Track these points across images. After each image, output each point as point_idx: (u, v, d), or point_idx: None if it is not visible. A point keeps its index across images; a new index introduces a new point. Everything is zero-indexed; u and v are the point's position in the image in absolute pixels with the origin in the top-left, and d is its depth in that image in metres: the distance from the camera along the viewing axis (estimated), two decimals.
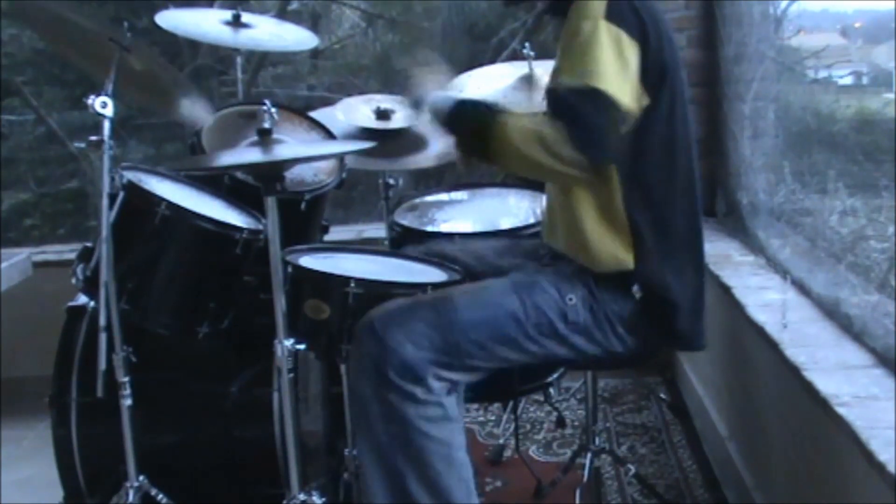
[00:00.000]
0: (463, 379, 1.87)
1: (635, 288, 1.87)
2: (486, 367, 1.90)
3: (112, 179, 2.09)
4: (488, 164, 1.88)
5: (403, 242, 2.53)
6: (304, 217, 2.44)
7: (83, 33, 2.18)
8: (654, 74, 1.80)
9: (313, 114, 2.74)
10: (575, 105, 1.70)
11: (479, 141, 1.81)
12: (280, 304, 1.91)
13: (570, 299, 1.87)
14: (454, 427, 1.85)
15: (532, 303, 1.87)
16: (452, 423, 1.85)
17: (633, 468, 2.63)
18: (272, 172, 1.90)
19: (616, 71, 1.72)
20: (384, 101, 2.86)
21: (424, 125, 2.11)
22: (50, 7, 2.18)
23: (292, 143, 2.45)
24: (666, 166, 1.88)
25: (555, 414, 3.08)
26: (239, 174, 2.35)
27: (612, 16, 1.74)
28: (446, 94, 1.95)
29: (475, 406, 3.28)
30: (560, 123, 1.70)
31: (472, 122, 1.84)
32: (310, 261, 2.08)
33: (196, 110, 2.36)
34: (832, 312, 2.10)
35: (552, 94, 1.77)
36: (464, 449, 1.87)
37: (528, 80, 2.81)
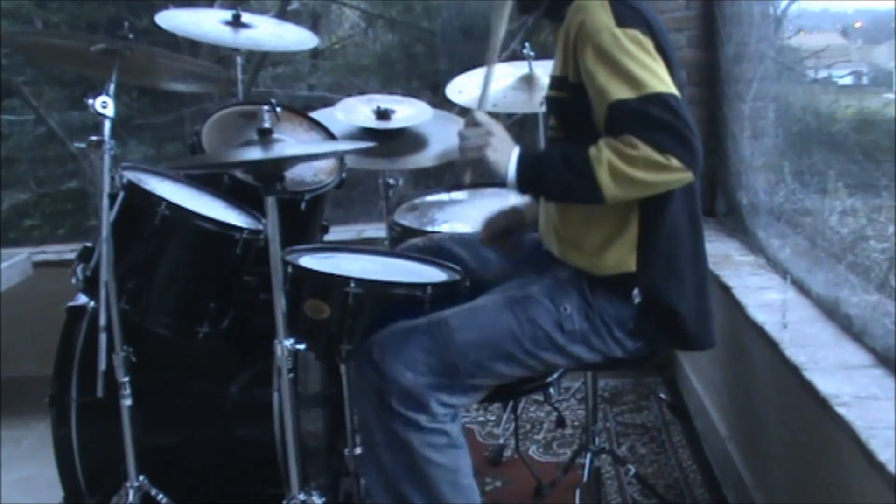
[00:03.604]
0: (465, 401, 1.89)
1: (635, 292, 1.87)
2: (488, 384, 1.91)
3: (112, 179, 2.09)
4: (590, 202, 1.81)
5: (403, 242, 2.53)
6: (304, 217, 2.44)
7: (79, 51, 2.18)
8: None
9: (313, 114, 2.75)
10: (649, 113, 1.68)
11: (582, 185, 1.75)
12: (280, 304, 1.91)
13: (565, 308, 1.87)
14: (459, 453, 1.86)
15: (527, 317, 1.86)
16: (457, 449, 1.85)
17: (633, 468, 2.63)
18: (272, 172, 1.90)
19: (655, 69, 1.72)
20: (384, 101, 2.86)
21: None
22: (41, 40, 2.19)
23: (292, 143, 2.45)
24: None
25: (555, 414, 3.08)
26: (239, 174, 2.35)
27: (622, 20, 1.74)
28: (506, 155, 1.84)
29: (475, 406, 3.28)
30: (643, 136, 1.68)
31: (563, 173, 1.78)
32: (310, 261, 2.08)
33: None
34: (832, 312, 2.10)
35: (619, 113, 1.71)
36: (470, 475, 1.88)
37: (528, 80, 2.82)
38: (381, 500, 1.85)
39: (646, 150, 1.68)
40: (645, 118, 1.69)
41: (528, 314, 1.87)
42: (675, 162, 1.68)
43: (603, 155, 1.71)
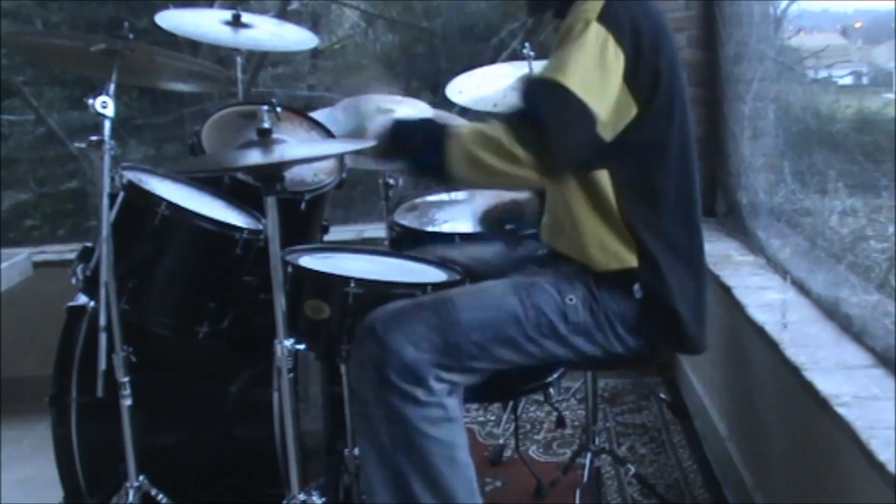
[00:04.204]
0: (463, 381, 1.87)
1: (636, 287, 1.87)
2: (487, 368, 1.90)
3: (112, 179, 2.09)
4: (440, 179, 1.83)
5: (403, 242, 2.53)
6: (304, 217, 2.44)
7: (79, 51, 2.18)
8: (646, 80, 1.78)
9: (313, 114, 2.74)
10: (539, 97, 1.66)
11: (430, 155, 1.76)
12: (280, 304, 1.91)
13: (570, 299, 1.87)
14: (456, 428, 1.85)
15: (532, 303, 1.86)
16: (454, 423, 1.84)
17: (633, 468, 2.63)
18: (272, 172, 1.90)
19: (591, 75, 1.69)
20: (384, 101, 2.86)
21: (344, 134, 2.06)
22: (41, 41, 2.18)
23: (292, 143, 2.44)
24: (661, 173, 1.86)
25: (555, 414, 3.08)
26: (239, 174, 2.35)
27: (605, 18, 1.71)
28: (385, 118, 1.87)
29: (475, 406, 3.28)
30: (518, 119, 1.67)
31: (418, 137, 1.80)
32: (310, 261, 2.08)
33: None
34: (832, 312, 2.10)
35: (521, 85, 1.72)
36: (466, 449, 1.87)
37: None
38: (376, 475, 1.83)
39: (504, 138, 1.66)
40: (535, 98, 1.67)
41: (533, 300, 1.86)
42: (526, 158, 1.66)
43: (460, 129, 1.72)
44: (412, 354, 1.79)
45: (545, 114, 1.66)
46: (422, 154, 1.78)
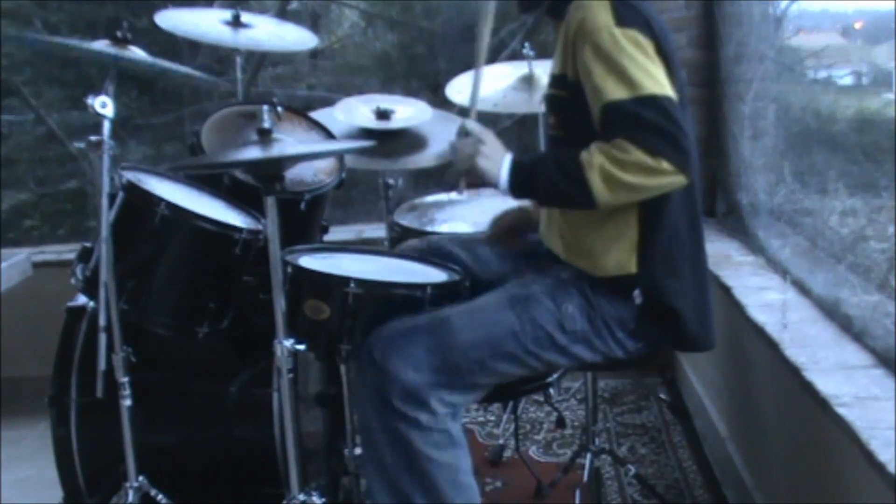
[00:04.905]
0: (466, 400, 1.88)
1: (636, 293, 1.87)
2: (490, 383, 1.91)
3: (112, 179, 2.08)
4: (576, 206, 1.84)
5: (402, 243, 2.53)
6: (304, 217, 2.44)
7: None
8: None
9: (313, 114, 2.74)
10: (642, 116, 1.69)
11: (568, 188, 1.77)
12: (280, 304, 1.91)
13: (567, 308, 1.87)
14: (459, 451, 1.86)
15: (529, 317, 1.86)
16: (458, 448, 1.85)
17: (633, 468, 2.63)
18: (272, 172, 1.90)
19: (652, 70, 1.73)
20: (384, 101, 2.86)
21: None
22: None
23: (292, 143, 2.44)
24: None
25: (555, 414, 3.08)
26: (239, 174, 2.35)
27: (622, 20, 1.74)
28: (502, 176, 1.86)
29: (475, 406, 3.28)
30: (635, 139, 1.68)
31: (552, 176, 1.80)
32: (309, 261, 2.08)
33: None
34: (832, 312, 2.10)
35: (612, 114, 1.72)
36: (470, 473, 1.88)
37: (528, 80, 2.82)
38: (383, 500, 1.84)
39: (637, 155, 1.68)
40: (638, 121, 1.69)
41: (530, 314, 1.87)
42: (666, 165, 1.69)
43: (595, 160, 1.72)
44: (412, 377, 1.80)
45: (659, 124, 1.69)
46: (563, 191, 1.79)
